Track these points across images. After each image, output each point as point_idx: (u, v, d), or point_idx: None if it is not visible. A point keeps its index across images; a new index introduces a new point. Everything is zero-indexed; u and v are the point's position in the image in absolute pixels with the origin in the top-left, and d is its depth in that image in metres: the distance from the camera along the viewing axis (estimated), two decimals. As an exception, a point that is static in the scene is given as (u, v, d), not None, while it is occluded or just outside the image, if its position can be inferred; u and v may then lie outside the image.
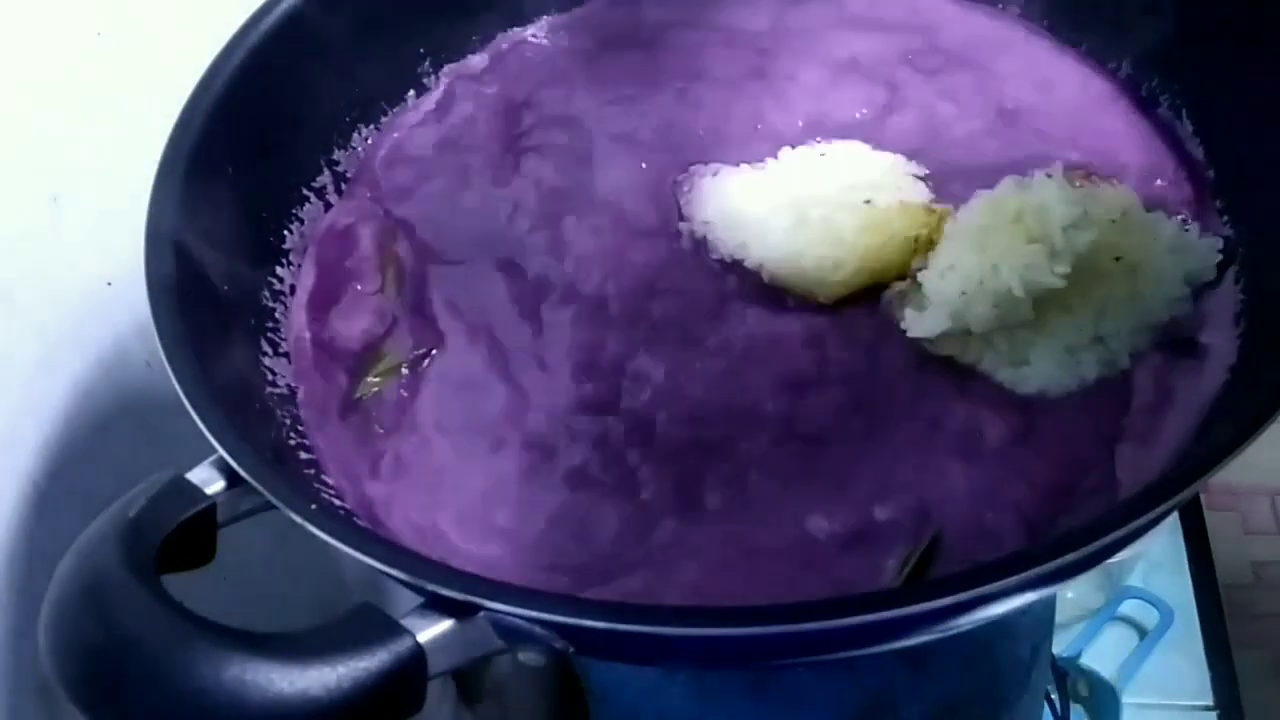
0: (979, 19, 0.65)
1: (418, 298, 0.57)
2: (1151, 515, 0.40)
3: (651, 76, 0.65)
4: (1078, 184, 0.52)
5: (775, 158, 0.59)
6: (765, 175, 0.59)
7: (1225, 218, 0.55)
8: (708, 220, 0.57)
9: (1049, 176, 0.51)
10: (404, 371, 0.55)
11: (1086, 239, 0.50)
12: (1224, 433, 0.43)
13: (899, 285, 0.53)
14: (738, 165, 0.59)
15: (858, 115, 0.61)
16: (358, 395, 0.55)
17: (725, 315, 0.55)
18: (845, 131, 0.61)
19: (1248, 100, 0.56)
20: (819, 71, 0.64)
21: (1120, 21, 0.62)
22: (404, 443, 0.53)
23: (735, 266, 0.56)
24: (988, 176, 0.55)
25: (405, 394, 0.54)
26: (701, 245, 0.57)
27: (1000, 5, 0.66)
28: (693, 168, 0.60)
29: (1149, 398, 0.50)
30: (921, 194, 0.57)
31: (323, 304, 0.58)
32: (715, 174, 0.59)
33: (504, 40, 0.68)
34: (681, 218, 0.58)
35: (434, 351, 0.56)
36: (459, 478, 0.51)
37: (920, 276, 0.51)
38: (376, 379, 0.55)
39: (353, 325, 0.57)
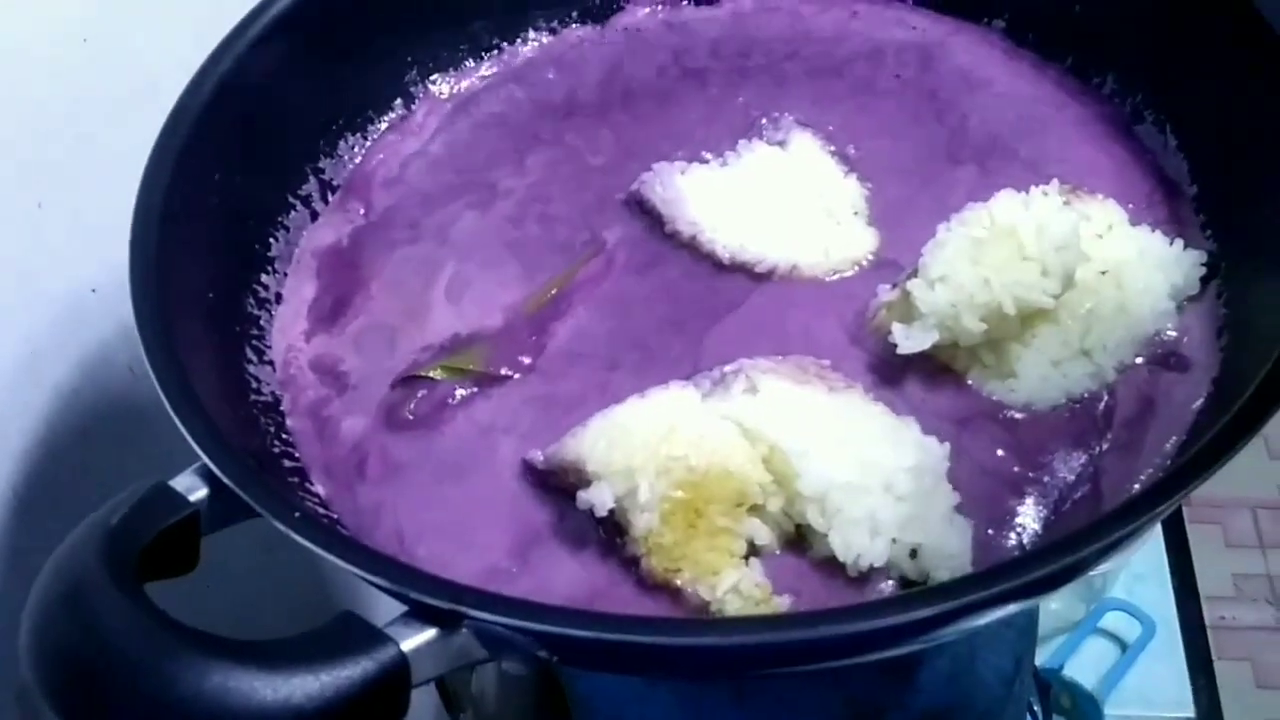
0: (960, 40, 0.66)
1: (543, 325, 0.56)
2: (1134, 527, 0.40)
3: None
4: (1064, 200, 0.52)
5: (734, 151, 0.60)
6: (734, 172, 0.60)
7: (1208, 232, 0.56)
8: (694, 220, 0.58)
9: (1045, 194, 0.51)
10: (471, 385, 0.54)
11: (1078, 261, 0.50)
12: (1207, 445, 0.43)
13: (886, 296, 0.53)
14: (708, 162, 0.60)
15: (828, 128, 0.62)
16: (418, 373, 0.54)
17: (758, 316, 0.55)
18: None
19: (1231, 116, 0.56)
20: (788, 78, 0.65)
21: (1103, 37, 0.62)
22: (415, 447, 0.52)
23: (736, 265, 0.57)
24: (964, 194, 0.55)
25: (455, 400, 0.53)
26: (692, 244, 0.57)
27: (987, 21, 0.66)
28: (657, 165, 0.60)
29: (1133, 410, 0.50)
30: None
31: (333, 311, 0.58)
32: (684, 172, 0.60)
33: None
34: (662, 218, 0.58)
35: (515, 376, 0.54)
36: (465, 488, 0.51)
37: (909, 285, 0.51)
38: (445, 370, 0.54)
39: (446, 317, 0.56)
